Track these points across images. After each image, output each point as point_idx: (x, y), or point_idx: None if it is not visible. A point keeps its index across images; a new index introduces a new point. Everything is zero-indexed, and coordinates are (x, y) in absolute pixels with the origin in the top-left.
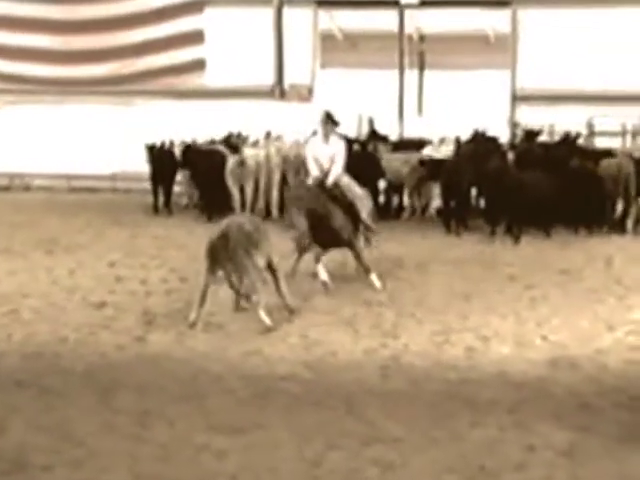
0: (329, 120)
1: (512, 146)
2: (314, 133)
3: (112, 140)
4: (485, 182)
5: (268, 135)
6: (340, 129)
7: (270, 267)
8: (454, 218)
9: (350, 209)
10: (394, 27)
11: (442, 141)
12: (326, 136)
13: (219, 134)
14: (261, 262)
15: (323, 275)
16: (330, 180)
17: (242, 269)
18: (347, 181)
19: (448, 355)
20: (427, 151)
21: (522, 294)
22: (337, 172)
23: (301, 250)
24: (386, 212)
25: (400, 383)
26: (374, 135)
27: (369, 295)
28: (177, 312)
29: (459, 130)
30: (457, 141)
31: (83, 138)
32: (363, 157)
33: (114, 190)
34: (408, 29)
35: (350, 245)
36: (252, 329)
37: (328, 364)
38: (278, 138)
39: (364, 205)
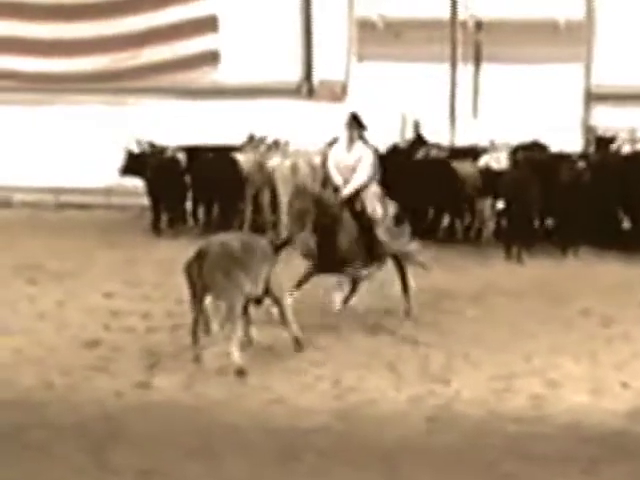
0: (355, 123)
1: (584, 155)
2: (334, 140)
3: (107, 148)
4: (556, 197)
5: (276, 143)
6: (379, 133)
7: (271, 294)
8: (516, 240)
9: (368, 230)
10: (445, 13)
11: (501, 149)
12: (350, 142)
13: (234, 139)
14: (249, 287)
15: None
16: (346, 191)
17: (219, 293)
18: (374, 195)
19: (509, 404)
20: (484, 160)
21: (598, 332)
22: (358, 182)
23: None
24: (432, 233)
25: (451, 438)
26: (419, 141)
27: (414, 332)
28: (185, 352)
29: (522, 136)
30: (514, 150)
31: (73, 145)
32: (432, 166)
33: (109, 207)
34: (462, 15)
35: (347, 266)
36: (275, 373)
37: (365, 415)
38: (285, 145)
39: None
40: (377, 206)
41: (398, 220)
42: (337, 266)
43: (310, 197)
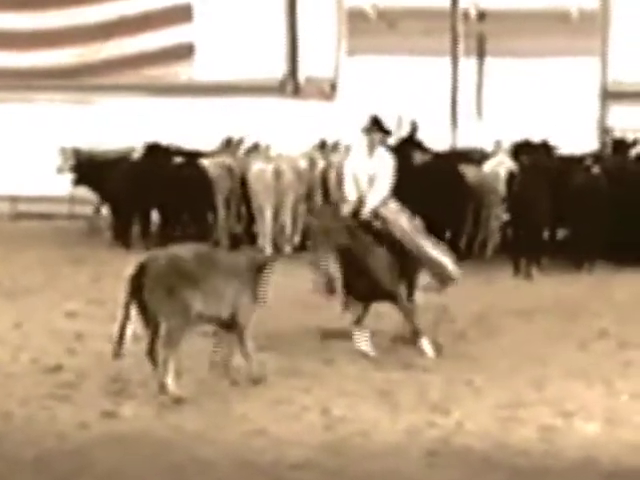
0: (376, 127)
1: (599, 158)
2: (323, 143)
3: None
4: (568, 206)
5: (256, 146)
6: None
7: (234, 318)
8: (524, 254)
9: (396, 248)
10: (445, 1)
11: (505, 151)
12: (372, 149)
13: (211, 141)
14: (201, 306)
15: (363, 344)
16: (366, 210)
17: (158, 315)
18: (395, 210)
19: (517, 436)
20: (490, 165)
21: (615, 355)
22: (377, 199)
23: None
24: None
25: (452, 473)
26: (409, 141)
27: (411, 357)
28: (156, 379)
29: (530, 138)
30: (514, 151)
31: (32, 148)
32: (439, 171)
33: (72, 217)
34: (463, 4)
35: (392, 297)
36: (256, 402)
37: (357, 448)
38: (266, 148)
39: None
40: (402, 219)
41: None
42: (374, 295)
43: (336, 215)
